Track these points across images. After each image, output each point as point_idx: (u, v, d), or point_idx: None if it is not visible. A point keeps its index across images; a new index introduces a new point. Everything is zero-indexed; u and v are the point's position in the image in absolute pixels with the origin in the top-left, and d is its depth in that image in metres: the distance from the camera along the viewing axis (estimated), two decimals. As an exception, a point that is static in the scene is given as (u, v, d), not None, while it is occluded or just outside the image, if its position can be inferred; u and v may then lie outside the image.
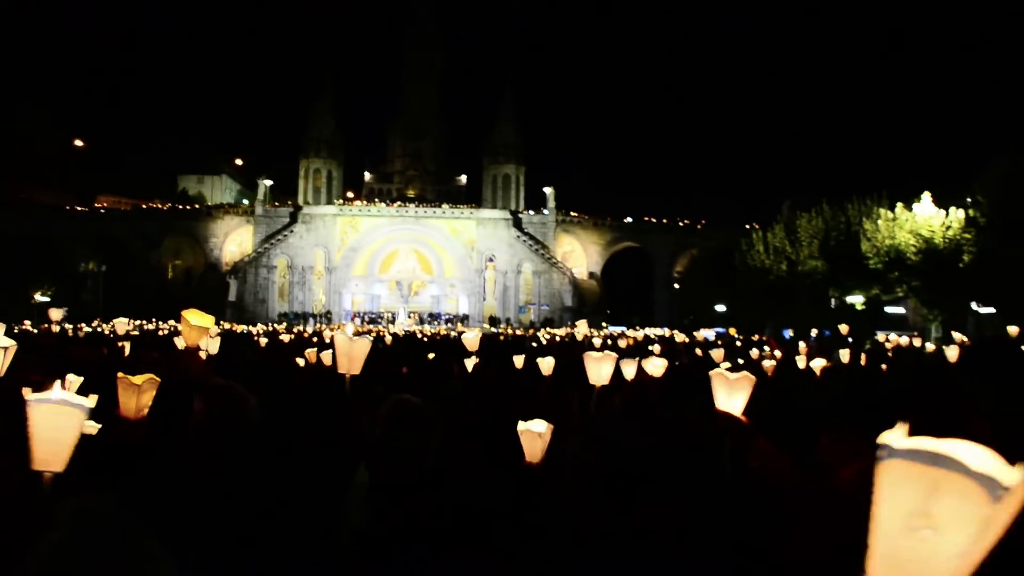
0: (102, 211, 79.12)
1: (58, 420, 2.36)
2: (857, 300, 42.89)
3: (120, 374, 3.60)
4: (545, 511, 3.59)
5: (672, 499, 3.18)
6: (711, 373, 3.84)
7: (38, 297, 61.69)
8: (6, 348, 4.23)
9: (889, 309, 47.52)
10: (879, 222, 38.74)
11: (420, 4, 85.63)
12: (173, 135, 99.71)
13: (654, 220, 77.62)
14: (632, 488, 3.23)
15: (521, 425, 3.86)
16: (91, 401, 2.45)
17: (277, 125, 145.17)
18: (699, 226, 76.24)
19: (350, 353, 4.33)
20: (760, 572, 3.17)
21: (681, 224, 76.79)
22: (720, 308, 58.15)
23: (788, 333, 40.30)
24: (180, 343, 5.29)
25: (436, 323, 64.72)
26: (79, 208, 78.43)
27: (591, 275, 76.23)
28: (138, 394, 3.54)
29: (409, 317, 65.16)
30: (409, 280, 73.27)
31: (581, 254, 76.63)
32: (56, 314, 11.34)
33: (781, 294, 48.12)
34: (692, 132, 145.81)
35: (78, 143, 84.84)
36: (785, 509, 3.17)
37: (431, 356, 9.43)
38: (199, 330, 5.17)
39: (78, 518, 1.46)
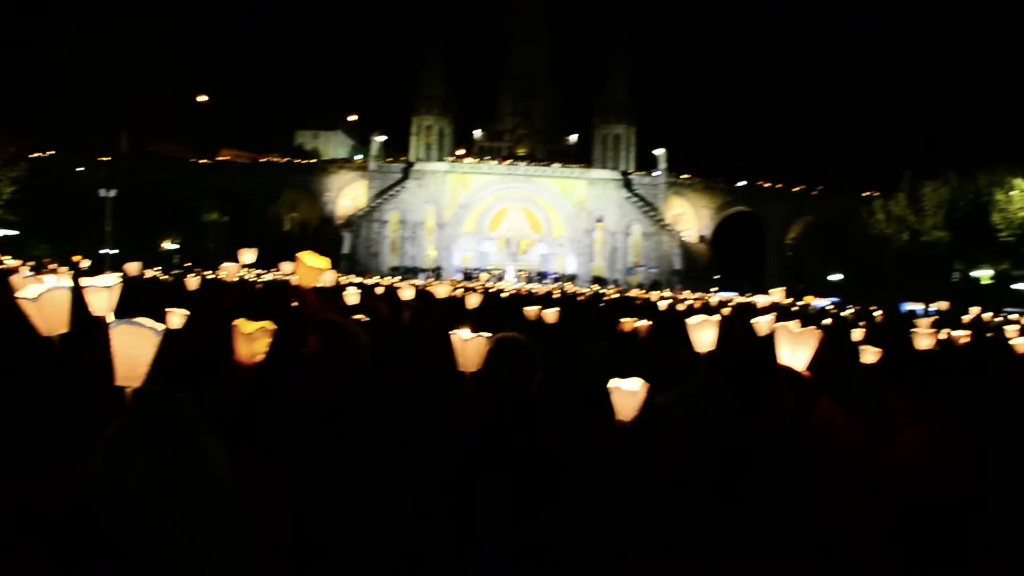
0: (224, 164, 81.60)
1: (134, 339, 2.60)
2: (984, 274, 41.17)
3: (234, 322, 3.64)
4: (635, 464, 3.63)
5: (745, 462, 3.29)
6: (775, 327, 3.65)
7: (166, 246, 64.50)
8: (110, 286, 4.60)
9: (1017, 286, 45.46)
10: (1012, 193, 37.01)
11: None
12: (289, 92, 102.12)
13: (767, 185, 75.78)
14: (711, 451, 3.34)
15: (612, 382, 3.76)
16: (162, 325, 2.70)
17: (390, 83, 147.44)
18: (814, 192, 74.21)
19: (465, 352, 4.31)
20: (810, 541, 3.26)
21: (795, 190, 74.82)
22: (835, 277, 56.64)
23: (906, 306, 39.02)
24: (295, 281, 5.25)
25: (544, 281, 64.96)
26: (202, 161, 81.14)
27: (701, 239, 75.24)
28: (251, 341, 3.55)
29: (517, 275, 65.56)
30: (518, 238, 73.67)
31: (692, 217, 75.61)
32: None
33: (901, 264, 46.64)
34: (809, 95, 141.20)
35: (201, 98, 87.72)
36: (841, 475, 3.20)
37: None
38: (314, 271, 5.19)
39: (143, 403, 1.69)
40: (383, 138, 76.79)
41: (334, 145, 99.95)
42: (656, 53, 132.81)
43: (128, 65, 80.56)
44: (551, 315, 8.92)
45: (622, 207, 73.05)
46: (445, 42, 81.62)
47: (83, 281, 4.61)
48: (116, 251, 51.24)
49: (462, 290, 17.55)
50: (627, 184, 74.09)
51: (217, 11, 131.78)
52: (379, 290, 14.88)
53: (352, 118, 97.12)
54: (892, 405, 3.32)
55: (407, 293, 11.78)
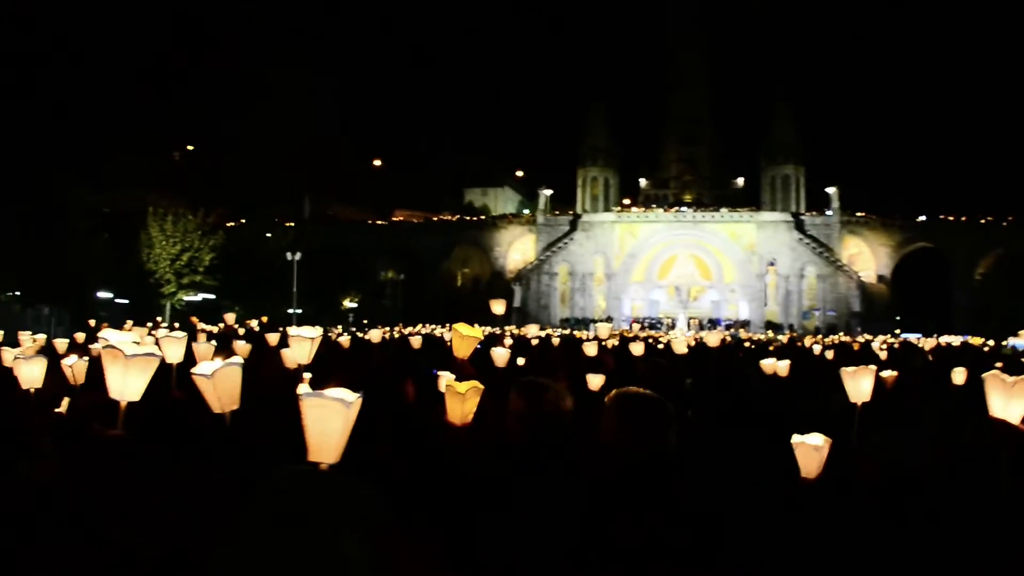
0: (398, 224, 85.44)
1: (325, 413, 2.49)
2: None
3: (447, 382, 3.76)
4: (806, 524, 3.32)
5: (947, 515, 2.92)
6: (984, 376, 3.39)
7: (346, 304, 68.03)
8: (313, 338, 5.17)
9: None
10: None
11: (682, 5, 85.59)
12: (456, 152, 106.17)
13: (951, 218, 72.05)
14: (906, 502, 3.01)
15: (796, 438, 3.60)
16: (355, 396, 2.54)
17: (554, 137, 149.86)
18: (1005, 223, 70.01)
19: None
20: None
21: (983, 222, 70.86)
22: (1034, 314, 53.23)
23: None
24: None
25: (715, 329, 64.11)
26: (378, 222, 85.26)
27: (880, 278, 72.35)
28: (463, 401, 3.63)
29: (689, 323, 65.12)
30: (688, 285, 73.16)
31: (869, 256, 72.90)
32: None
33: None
34: (991, 118, 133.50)
35: (376, 163, 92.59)
36: None
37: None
38: (469, 341, 5.40)
39: (320, 487, 1.58)
40: (550, 192, 78.49)
41: (502, 201, 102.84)
42: (821, 88, 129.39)
43: (309, 134, 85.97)
44: (782, 368, 8.86)
45: (794, 249, 71.44)
46: (607, 93, 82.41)
47: (290, 331, 5.35)
48: (300, 311, 54.72)
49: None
50: (799, 225, 72.43)
51: (389, 76, 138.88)
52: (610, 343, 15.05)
53: (519, 174, 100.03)
54: None
55: (637, 348, 11.84)
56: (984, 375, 3.37)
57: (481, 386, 3.71)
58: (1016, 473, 3.05)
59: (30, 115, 52.80)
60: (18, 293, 42.08)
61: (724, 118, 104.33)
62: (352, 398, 2.51)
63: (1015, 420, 3.20)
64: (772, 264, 71.64)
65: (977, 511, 2.97)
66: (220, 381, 3.45)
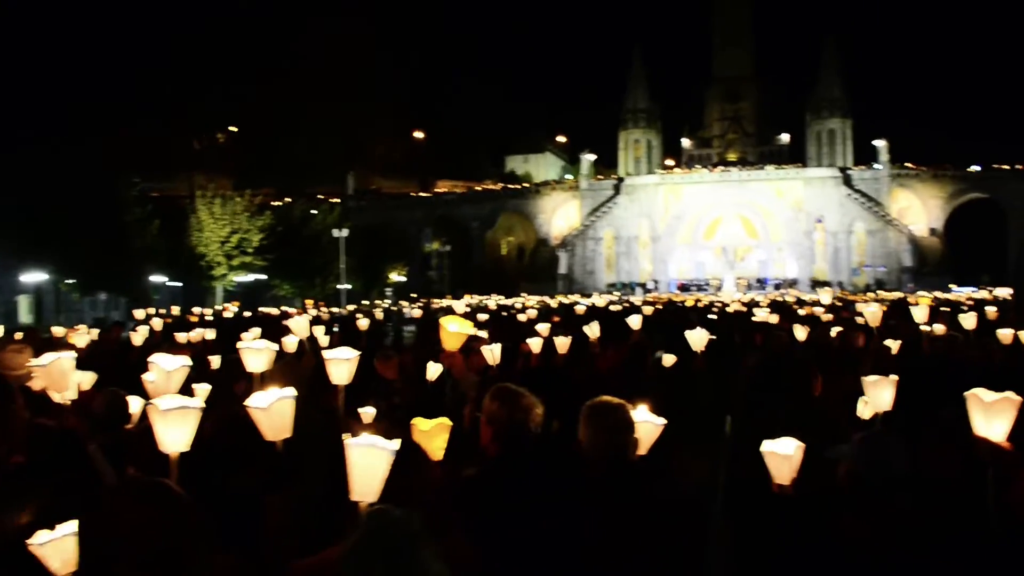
0: (441, 196, 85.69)
1: (370, 458, 2.66)
2: None
3: (413, 422, 3.68)
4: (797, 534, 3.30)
5: (929, 536, 2.86)
6: (966, 395, 3.23)
7: (393, 276, 68.64)
8: (349, 359, 4.90)
9: None
10: None
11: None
12: (497, 119, 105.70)
13: (1006, 167, 70.06)
14: (888, 518, 2.93)
15: (766, 445, 3.49)
16: (395, 444, 2.73)
17: (594, 100, 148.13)
18: (1064, 169, 68.00)
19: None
20: None
21: (1040, 169, 68.85)
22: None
23: None
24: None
25: (764, 288, 63.57)
26: (422, 194, 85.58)
27: (932, 232, 70.88)
28: (430, 439, 3.59)
29: (736, 284, 64.54)
30: (735, 246, 72.32)
31: (920, 209, 71.40)
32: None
33: None
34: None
35: (417, 134, 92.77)
36: None
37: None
38: (457, 336, 5.34)
39: (376, 522, 1.99)
40: (592, 156, 78.01)
41: (544, 167, 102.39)
42: (867, 39, 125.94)
43: (351, 111, 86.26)
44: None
45: (843, 205, 70.26)
46: (647, 52, 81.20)
47: (326, 354, 5.13)
48: (349, 286, 55.37)
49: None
50: (846, 180, 71.13)
51: (430, 51, 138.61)
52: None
53: (560, 139, 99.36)
54: None
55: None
56: (966, 393, 3.26)
57: (449, 423, 3.65)
58: (1000, 493, 3.01)
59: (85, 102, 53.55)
60: (75, 281, 43.18)
61: (768, 73, 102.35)
62: (393, 445, 2.72)
63: (998, 438, 3.13)
64: (820, 221, 70.62)
65: (959, 530, 2.94)
66: (274, 413, 3.44)
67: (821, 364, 5.75)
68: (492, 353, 6.58)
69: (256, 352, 5.28)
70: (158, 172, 64.26)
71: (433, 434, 3.59)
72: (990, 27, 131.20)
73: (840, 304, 22.73)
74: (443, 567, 1.93)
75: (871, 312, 9.58)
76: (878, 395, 4.78)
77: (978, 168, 71.10)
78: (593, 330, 8.89)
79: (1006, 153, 71.97)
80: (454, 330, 5.32)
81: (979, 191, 70.65)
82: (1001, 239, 69.03)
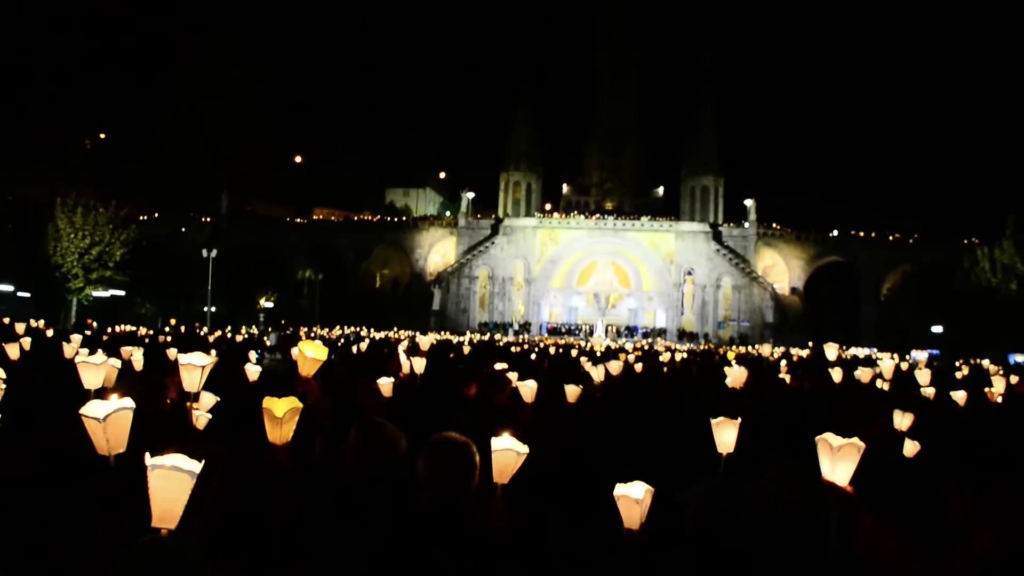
0: (318, 223, 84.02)
1: (171, 483, 2.52)
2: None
3: (264, 403, 3.69)
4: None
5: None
6: (817, 439, 3.34)
7: (263, 303, 66.50)
8: (204, 366, 4.84)
9: None
10: None
11: (613, 15, 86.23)
12: (380, 150, 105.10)
13: (861, 234, 74.18)
14: (731, 562, 2.84)
15: (618, 489, 3.51)
16: (198, 466, 2.57)
17: (477, 140, 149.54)
18: (911, 240, 72.29)
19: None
20: None
21: (891, 238, 73.01)
22: (936, 329, 54.82)
23: (1015, 358, 37.73)
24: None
25: (632, 336, 64.69)
26: (298, 220, 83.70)
27: (793, 290, 73.93)
28: (280, 424, 3.63)
29: (606, 330, 65.42)
30: (607, 293, 73.51)
31: (783, 268, 74.44)
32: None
33: (1009, 315, 45.13)
34: (903, 139, 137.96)
35: (297, 159, 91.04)
36: None
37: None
38: (313, 362, 5.30)
39: (147, 552, 1.94)
40: (472, 195, 78.12)
41: (424, 202, 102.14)
42: (744, 102, 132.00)
43: (229, 129, 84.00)
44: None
45: (712, 260, 72.49)
46: (532, 97, 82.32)
47: (181, 359, 4.89)
48: (214, 309, 53.24)
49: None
50: (716, 236, 73.54)
51: (305, 72, 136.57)
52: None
53: (442, 175, 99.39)
54: (952, 504, 3.08)
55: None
56: (816, 438, 3.34)
57: (300, 405, 3.67)
58: (842, 534, 2.96)
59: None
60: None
61: (648, 128, 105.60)
62: (196, 467, 2.55)
63: (842, 483, 3.20)
64: (690, 274, 72.57)
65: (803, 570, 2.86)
66: (111, 425, 3.39)
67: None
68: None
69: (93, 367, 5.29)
70: (17, 173, 60.62)
71: (285, 420, 3.61)
72: (853, 100, 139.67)
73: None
74: None
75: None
76: (722, 436, 4.85)
77: (836, 233, 74.83)
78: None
79: (862, 219, 76.21)
80: (310, 356, 5.27)
81: (837, 255, 74.24)
82: (855, 301, 72.69)
